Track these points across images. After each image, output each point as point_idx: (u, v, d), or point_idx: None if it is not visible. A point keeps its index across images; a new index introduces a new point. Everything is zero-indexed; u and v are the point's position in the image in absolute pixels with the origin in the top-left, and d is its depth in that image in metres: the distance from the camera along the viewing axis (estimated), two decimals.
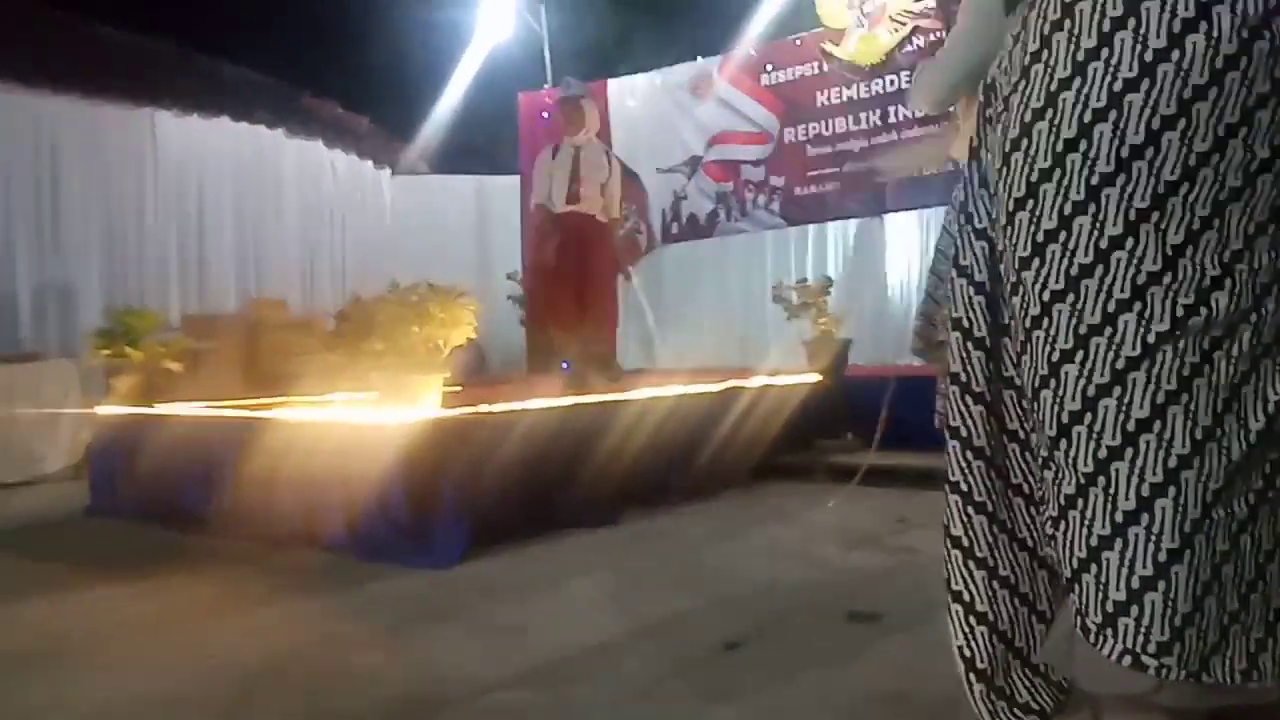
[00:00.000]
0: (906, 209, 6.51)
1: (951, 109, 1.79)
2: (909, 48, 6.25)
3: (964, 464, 1.40)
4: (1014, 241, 1.29)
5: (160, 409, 4.24)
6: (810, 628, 2.34)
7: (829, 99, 6.61)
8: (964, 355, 1.41)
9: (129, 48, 7.02)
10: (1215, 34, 1.12)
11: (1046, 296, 1.25)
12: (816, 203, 6.74)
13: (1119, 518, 1.18)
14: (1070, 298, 1.23)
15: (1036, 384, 1.28)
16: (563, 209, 5.06)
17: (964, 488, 1.41)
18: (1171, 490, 1.16)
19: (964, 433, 1.41)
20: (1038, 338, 1.27)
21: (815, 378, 5.20)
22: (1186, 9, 1.13)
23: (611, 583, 2.86)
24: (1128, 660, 1.17)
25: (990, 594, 1.39)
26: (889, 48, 6.30)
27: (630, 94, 7.60)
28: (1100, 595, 1.19)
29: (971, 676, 1.40)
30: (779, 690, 1.92)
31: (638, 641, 2.27)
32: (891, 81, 6.34)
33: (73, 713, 1.92)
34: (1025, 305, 1.29)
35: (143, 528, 3.87)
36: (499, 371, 7.09)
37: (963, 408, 1.41)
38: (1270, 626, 1.17)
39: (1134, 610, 1.16)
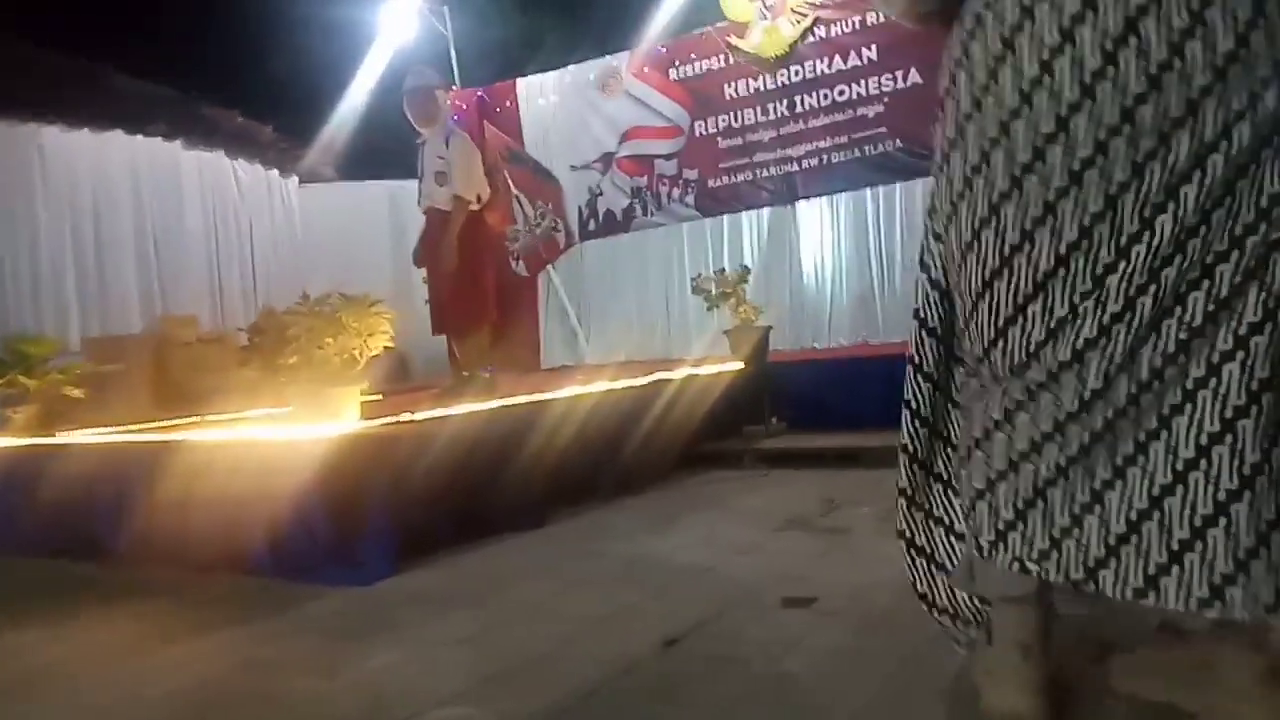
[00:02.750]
0: (816, 195, 6.63)
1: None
2: (811, 39, 6.35)
3: (912, 430, 1.65)
4: (957, 238, 1.49)
5: (61, 438, 4.05)
6: (747, 618, 2.35)
7: (736, 91, 6.67)
8: (919, 341, 1.64)
9: (8, 59, 6.67)
10: (1080, 55, 1.29)
11: (987, 275, 1.45)
12: (730, 193, 6.80)
13: (1014, 456, 1.42)
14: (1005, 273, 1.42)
15: (987, 341, 1.49)
16: (422, 209, 4.94)
17: (910, 449, 1.65)
18: (1059, 437, 1.38)
19: (914, 405, 1.65)
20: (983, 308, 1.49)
21: (738, 366, 5.26)
22: (1052, 35, 1.31)
23: (547, 585, 2.84)
24: (1016, 567, 1.41)
25: (928, 531, 1.67)
26: (792, 39, 6.39)
27: (539, 93, 7.56)
28: (993, 518, 1.44)
29: (925, 605, 1.70)
30: (720, 685, 1.93)
31: (578, 645, 2.26)
32: (796, 72, 6.43)
33: None
34: (970, 283, 1.49)
35: (50, 564, 3.69)
36: (422, 378, 6.98)
37: (915, 385, 1.65)
38: (1174, 555, 1.30)
39: (1020, 526, 1.41)
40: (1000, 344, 1.43)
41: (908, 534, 1.68)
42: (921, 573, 1.69)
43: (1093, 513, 1.35)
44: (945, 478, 1.68)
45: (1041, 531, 1.39)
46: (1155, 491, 1.32)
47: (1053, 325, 1.38)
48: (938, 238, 1.59)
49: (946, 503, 1.68)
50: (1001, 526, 1.42)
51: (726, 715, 1.79)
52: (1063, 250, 1.36)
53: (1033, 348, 1.40)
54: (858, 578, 2.59)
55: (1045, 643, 1.53)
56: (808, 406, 5.22)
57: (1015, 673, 1.51)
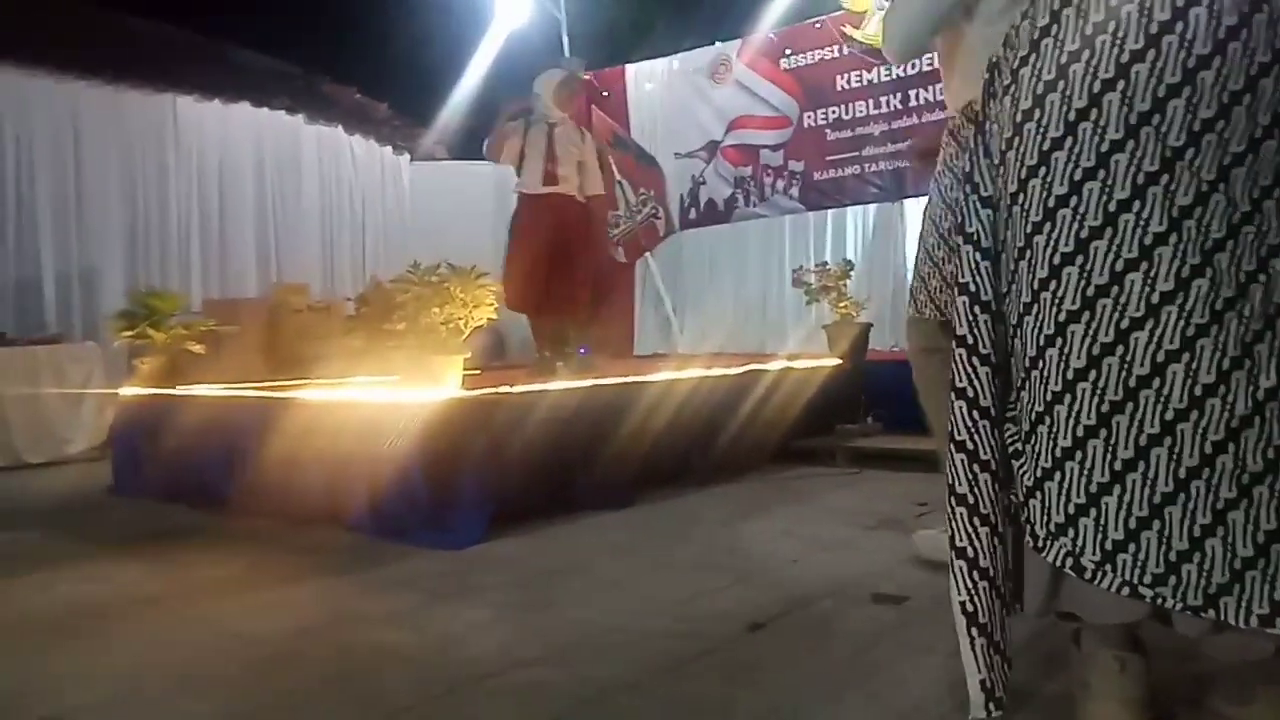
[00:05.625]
0: (925, 194, 6.43)
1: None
2: None
3: (970, 424, 1.43)
4: (1026, 208, 1.36)
5: (182, 390, 4.27)
6: (835, 609, 2.32)
7: (848, 83, 6.55)
8: (970, 318, 1.44)
9: (149, 34, 7.07)
10: (1217, 6, 1.21)
11: (1056, 260, 1.33)
12: (835, 187, 6.68)
13: (1118, 466, 1.29)
14: (1079, 259, 1.31)
15: (1042, 343, 1.36)
16: (539, 191, 4.88)
17: (970, 447, 1.43)
18: (1167, 440, 1.26)
19: (970, 393, 1.44)
20: (1045, 299, 1.35)
21: (835, 362, 5.18)
22: None
23: (633, 563, 2.85)
24: (1126, 591, 1.29)
25: (991, 550, 1.43)
26: None
27: (648, 79, 7.57)
28: (1099, 536, 1.31)
29: (973, 631, 1.44)
30: (805, 671, 1.91)
31: (661, 621, 2.26)
32: (912, 65, 6.26)
33: (94, 684, 1.93)
34: (1033, 269, 1.36)
35: (167, 507, 3.91)
36: (518, 356, 7.09)
37: (969, 369, 1.44)
38: None
39: (1131, 547, 1.28)
40: (1083, 322, 1.29)
41: (970, 552, 1.41)
42: (983, 598, 1.43)
43: (1215, 534, 1.25)
44: (1008, 486, 1.45)
45: (1157, 553, 1.27)
46: None
47: (1155, 300, 1.26)
48: (985, 203, 1.44)
49: (1005, 517, 1.45)
50: (1110, 546, 1.29)
51: (809, 700, 1.76)
52: (1176, 213, 1.25)
53: (1126, 327, 1.27)
54: (950, 581, 2.51)
55: (1142, 656, 1.44)
56: (904, 407, 5.01)
57: (1113, 686, 1.42)
